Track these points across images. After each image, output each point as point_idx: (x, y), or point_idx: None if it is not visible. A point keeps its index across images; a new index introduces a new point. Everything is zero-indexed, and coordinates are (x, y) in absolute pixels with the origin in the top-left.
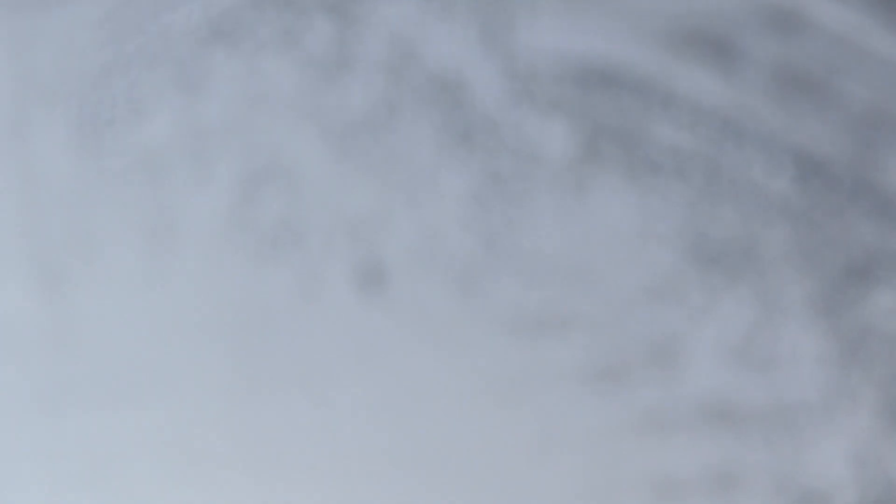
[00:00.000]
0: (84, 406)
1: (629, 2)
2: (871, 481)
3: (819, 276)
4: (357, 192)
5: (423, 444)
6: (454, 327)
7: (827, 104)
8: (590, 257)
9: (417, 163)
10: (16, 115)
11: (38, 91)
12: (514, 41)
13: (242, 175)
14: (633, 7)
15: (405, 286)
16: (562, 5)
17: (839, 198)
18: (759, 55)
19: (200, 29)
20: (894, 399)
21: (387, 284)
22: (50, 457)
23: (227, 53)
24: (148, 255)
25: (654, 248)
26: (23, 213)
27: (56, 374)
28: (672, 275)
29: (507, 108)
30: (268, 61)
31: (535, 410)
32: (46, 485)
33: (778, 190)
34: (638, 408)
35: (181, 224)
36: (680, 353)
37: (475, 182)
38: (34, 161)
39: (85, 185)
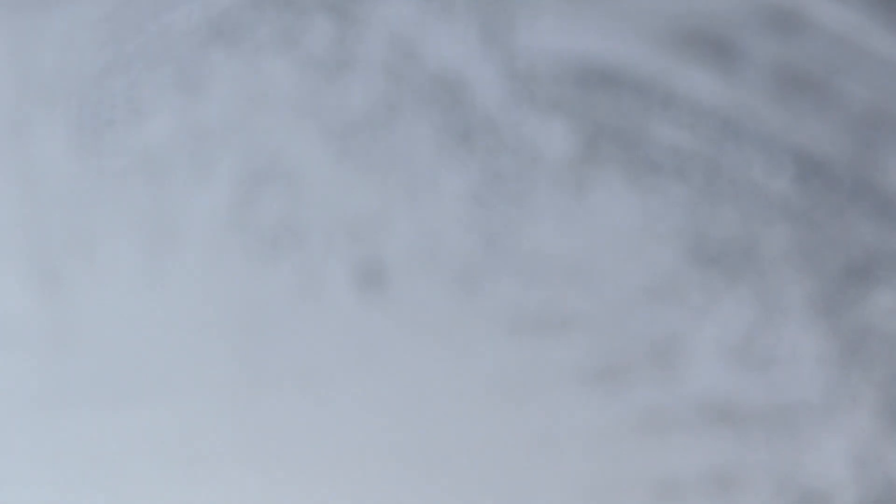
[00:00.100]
0: (84, 405)
1: (629, 2)
2: (871, 481)
3: (819, 276)
4: (357, 192)
5: (424, 444)
6: (454, 327)
7: (827, 104)
8: (590, 257)
9: (417, 163)
10: (16, 115)
11: (38, 91)
12: (514, 41)
13: (242, 175)
14: (633, 7)
15: (405, 286)
16: (562, 5)
17: (839, 198)
18: (759, 55)
19: (200, 29)
20: (894, 399)
21: (387, 284)
22: (50, 456)
23: (227, 53)
24: (148, 255)
25: (655, 248)
26: (23, 212)
27: (56, 374)
28: (672, 275)
29: (507, 108)
30: (268, 61)
31: (536, 410)
32: (47, 484)
33: (778, 190)
34: (638, 408)
35: (181, 224)
36: (680, 353)
37: (475, 182)
38: (34, 161)
39: (85, 185)
